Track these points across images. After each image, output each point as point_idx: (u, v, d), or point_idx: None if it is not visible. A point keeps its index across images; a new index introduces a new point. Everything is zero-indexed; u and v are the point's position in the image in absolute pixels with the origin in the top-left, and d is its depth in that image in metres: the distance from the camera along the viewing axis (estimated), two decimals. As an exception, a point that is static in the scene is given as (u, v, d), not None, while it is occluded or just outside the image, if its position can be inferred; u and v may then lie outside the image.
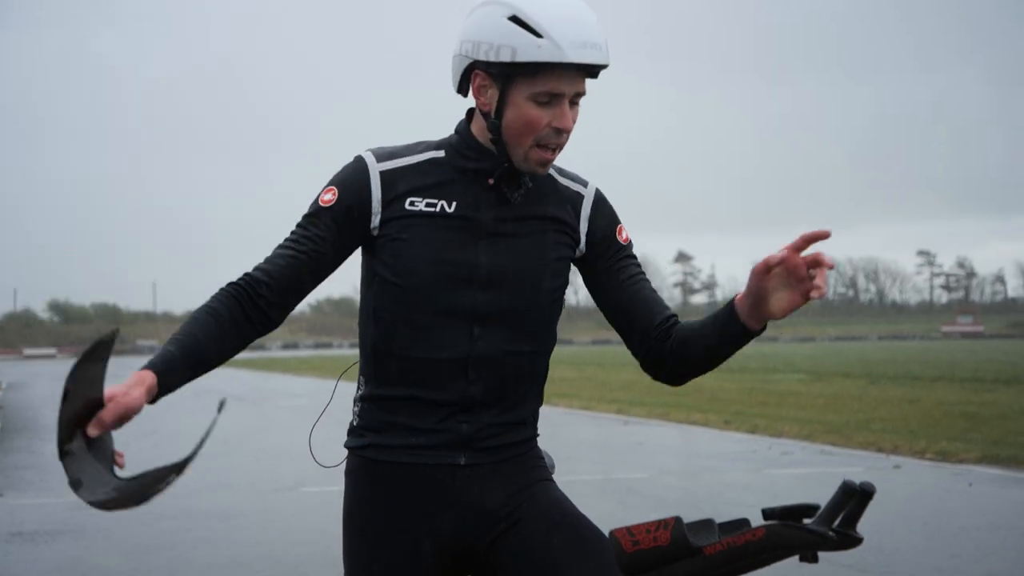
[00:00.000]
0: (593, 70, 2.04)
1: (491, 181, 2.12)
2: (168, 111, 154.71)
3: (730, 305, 2.02)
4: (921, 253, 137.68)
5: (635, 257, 2.25)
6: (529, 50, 1.97)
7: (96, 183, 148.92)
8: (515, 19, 1.98)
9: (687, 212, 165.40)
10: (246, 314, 2.05)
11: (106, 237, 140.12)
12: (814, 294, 1.89)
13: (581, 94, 2.07)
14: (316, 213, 2.11)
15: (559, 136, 2.06)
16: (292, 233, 2.13)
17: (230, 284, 2.07)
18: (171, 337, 2.00)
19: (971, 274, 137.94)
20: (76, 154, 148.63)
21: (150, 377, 1.89)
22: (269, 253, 2.13)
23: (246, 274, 2.09)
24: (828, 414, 15.95)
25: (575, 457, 11.35)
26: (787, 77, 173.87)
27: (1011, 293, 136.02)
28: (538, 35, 1.97)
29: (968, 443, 11.80)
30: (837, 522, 2.01)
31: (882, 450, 11.81)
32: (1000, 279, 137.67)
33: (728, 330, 2.04)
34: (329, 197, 2.11)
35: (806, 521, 2.00)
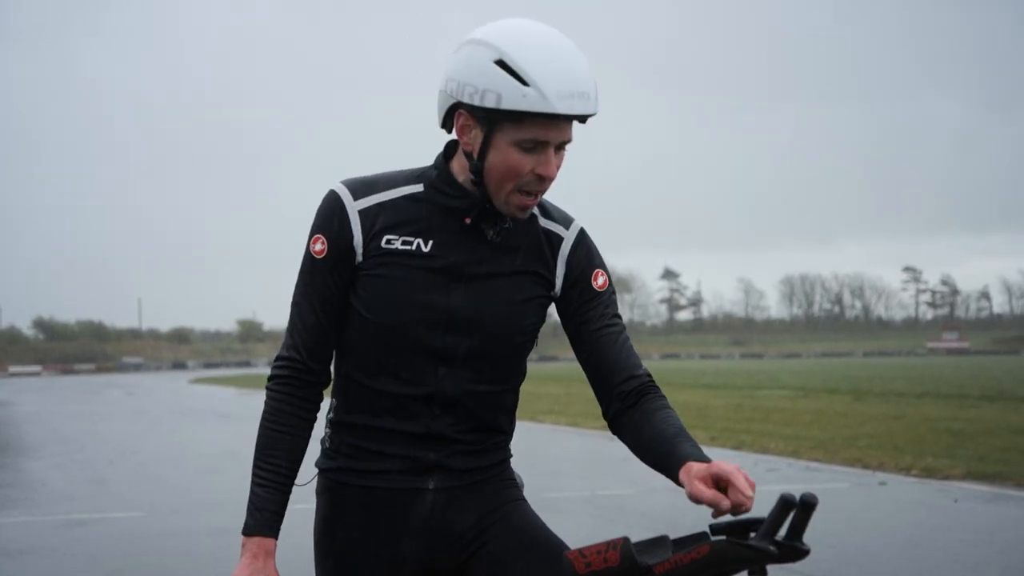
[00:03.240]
0: (582, 118, 1.99)
1: (468, 220, 2.10)
2: (153, 129, 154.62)
3: (679, 461, 1.97)
4: (907, 269, 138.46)
5: (610, 304, 2.19)
6: (515, 98, 1.91)
7: (81, 200, 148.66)
8: (501, 63, 1.92)
9: (674, 230, 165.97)
10: (303, 398, 2.15)
11: (91, 254, 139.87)
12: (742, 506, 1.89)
13: (567, 142, 2.02)
14: (313, 268, 2.12)
15: (541, 183, 2.01)
16: (299, 294, 2.15)
17: (274, 379, 2.16)
18: (254, 475, 2.13)
19: (956, 291, 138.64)
20: (61, 172, 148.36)
21: (266, 544, 2.09)
22: (289, 317, 2.18)
23: (281, 360, 2.16)
24: (814, 430, 15.99)
25: (562, 473, 11.34)
26: (774, 102, 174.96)
27: (996, 309, 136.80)
28: (524, 83, 1.91)
29: (953, 459, 11.84)
30: (783, 535, 2.03)
31: (868, 466, 11.84)
32: (985, 295, 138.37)
33: (665, 466, 2.01)
34: (320, 247, 2.11)
35: (751, 535, 2.02)
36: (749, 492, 1.86)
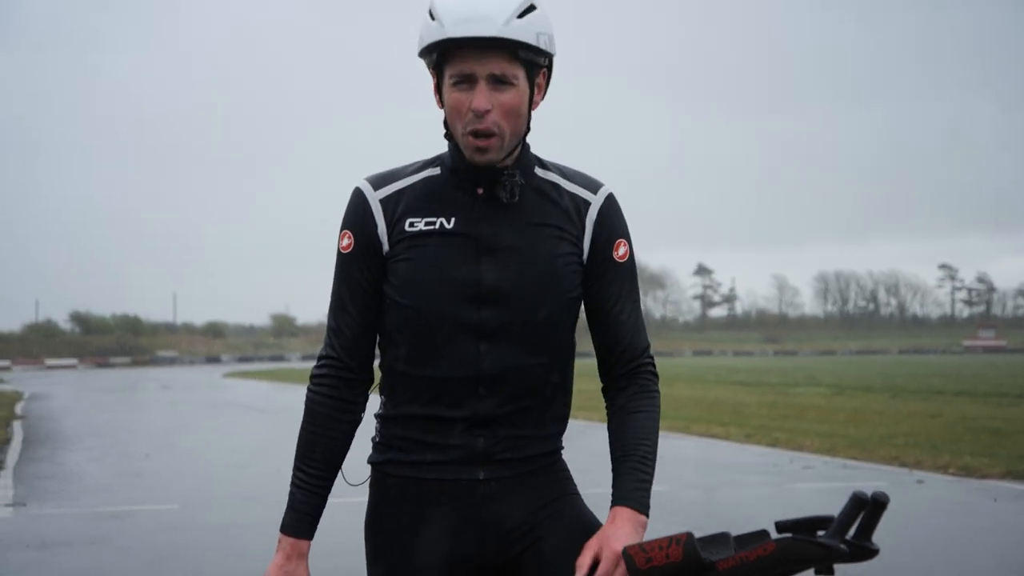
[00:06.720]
0: (497, 44, 1.99)
1: (480, 191, 2.10)
2: (186, 126, 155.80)
3: (613, 499, 2.19)
4: (942, 267, 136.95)
5: (628, 276, 2.18)
6: (425, 34, 2.03)
7: (117, 195, 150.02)
8: (429, 11, 2.05)
9: (708, 227, 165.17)
10: (343, 398, 2.16)
11: (127, 248, 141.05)
12: None
13: (498, 75, 2.01)
14: (343, 264, 2.15)
15: (479, 120, 2.01)
16: (333, 293, 2.17)
17: (314, 379, 2.17)
18: (293, 475, 2.16)
19: (992, 288, 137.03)
20: (97, 168, 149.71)
21: (299, 546, 2.13)
22: (327, 319, 2.18)
23: (320, 360, 2.17)
24: (850, 428, 15.86)
25: (596, 470, 11.29)
26: (805, 100, 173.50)
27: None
28: (432, 19, 2.02)
29: (992, 458, 11.69)
30: (852, 533, 1.98)
31: (905, 465, 11.72)
32: (1022, 293, 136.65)
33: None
34: (347, 243, 2.14)
35: (819, 534, 1.97)
36: None
